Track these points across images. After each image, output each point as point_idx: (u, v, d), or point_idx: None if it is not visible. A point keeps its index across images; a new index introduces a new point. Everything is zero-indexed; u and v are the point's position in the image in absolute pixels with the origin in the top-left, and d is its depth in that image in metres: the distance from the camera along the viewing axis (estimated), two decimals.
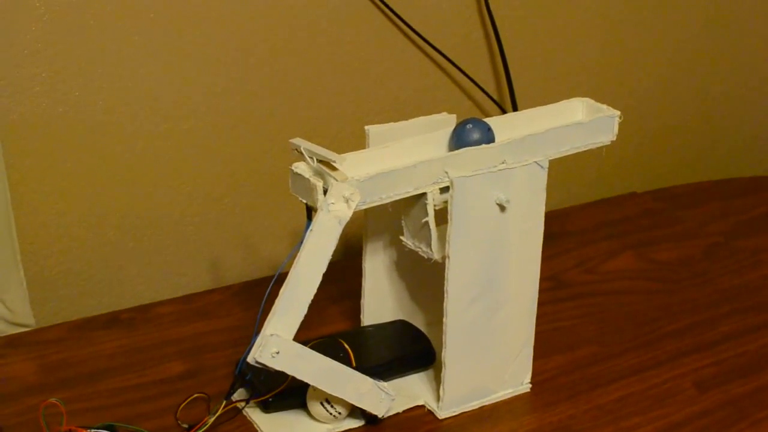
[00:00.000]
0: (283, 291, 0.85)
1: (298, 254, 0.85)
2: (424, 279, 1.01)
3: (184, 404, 0.91)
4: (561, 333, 1.08)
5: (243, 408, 0.93)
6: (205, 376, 0.99)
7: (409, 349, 1.00)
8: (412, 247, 0.93)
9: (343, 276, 1.09)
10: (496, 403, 0.96)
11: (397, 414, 0.94)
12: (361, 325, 1.04)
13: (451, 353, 0.92)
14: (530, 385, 0.98)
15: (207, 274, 1.21)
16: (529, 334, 0.97)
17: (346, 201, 0.85)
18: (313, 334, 1.01)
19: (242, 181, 1.21)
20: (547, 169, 0.91)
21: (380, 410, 0.91)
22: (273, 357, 0.85)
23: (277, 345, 0.85)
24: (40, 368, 1.00)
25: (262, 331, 0.85)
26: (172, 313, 1.10)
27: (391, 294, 1.04)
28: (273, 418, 0.93)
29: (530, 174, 0.90)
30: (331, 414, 0.91)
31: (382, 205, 0.89)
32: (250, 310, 1.10)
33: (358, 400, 0.90)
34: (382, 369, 0.96)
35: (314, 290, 0.86)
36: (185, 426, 0.89)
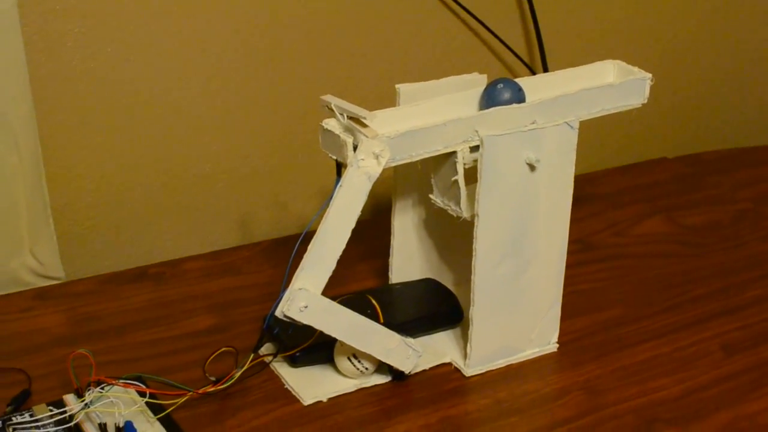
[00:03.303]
0: (312, 245, 0.86)
1: (328, 210, 0.86)
2: (453, 237, 1.01)
3: (211, 358, 0.92)
4: (589, 295, 1.07)
5: (270, 362, 0.93)
6: (233, 331, 1.00)
7: (437, 307, 1.00)
8: (441, 206, 0.94)
9: (372, 234, 1.09)
10: (523, 362, 0.96)
11: (424, 371, 0.95)
12: (389, 283, 1.04)
13: (478, 312, 0.92)
14: (557, 345, 0.98)
15: (236, 231, 1.22)
16: (557, 295, 0.97)
17: (376, 157, 0.85)
18: (341, 291, 1.01)
19: (272, 139, 1.21)
20: (577, 130, 0.90)
21: (407, 366, 0.92)
22: (301, 311, 0.85)
23: (306, 299, 0.85)
24: (68, 320, 1.01)
25: (291, 285, 0.85)
26: (200, 268, 1.11)
27: (420, 252, 1.04)
28: (300, 373, 0.93)
29: (560, 134, 0.90)
30: (358, 369, 0.91)
31: (411, 163, 0.89)
32: (279, 267, 1.11)
33: (385, 355, 0.90)
34: (409, 326, 0.96)
35: (343, 246, 0.86)
36: (213, 379, 0.90)
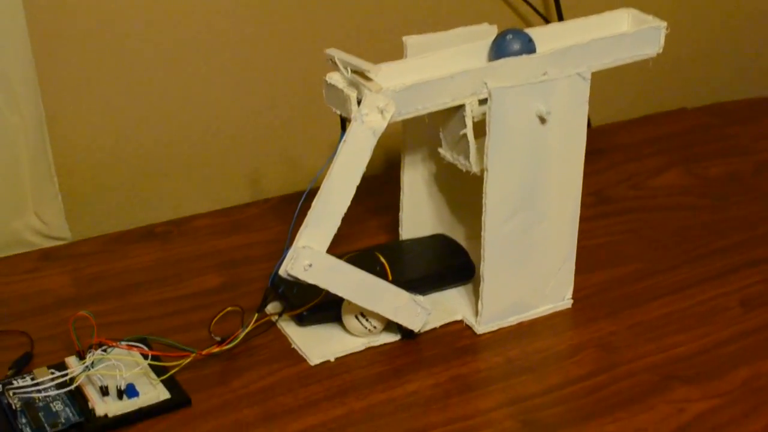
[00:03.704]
0: (316, 203, 0.83)
1: (331, 166, 0.83)
2: (464, 192, 0.98)
3: (217, 317, 0.90)
4: (605, 249, 1.05)
5: (276, 321, 0.92)
6: (241, 290, 0.98)
7: (448, 263, 0.98)
8: (451, 160, 0.91)
9: (382, 189, 1.07)
10: (536, 318, 0.94)
11: (435, 329, 0.93)
12: (400, 239, 1.02)
13: (489, 268, 0.90)
14: (571, 301, 0.96)
15: (245, 188, 1.20)
16: (571, 249, 0.94)
17: (381, 112, 0.83)
18: (350, 248, 0.99)
19: (282, 93, 1.18)
20: (589, 81, 0.87)
21: (416, 325, 0.90)
22: (305, 270, 0.83)
23: (310, 257, 0.83)
24: (74, 281, 1.00)
25: (294, 243, 0.83)
26: (208, 226, 1.09)
27: (430, 207, 1.01)
28: (307, 332, 0.92)
29: (572, 86, 0.87)
30: (366, 328, 0.90)
31: (419, 116, 0.87)
32: (288, 223, 1.08)
33: (394, 314, 0.89)
34: (419, 283, 0.94)
35: (347, 203, 0.84)
36: (218, 339, 0.88)
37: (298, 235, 0.83)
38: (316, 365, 0.88)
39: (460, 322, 0.94)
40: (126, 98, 1.10)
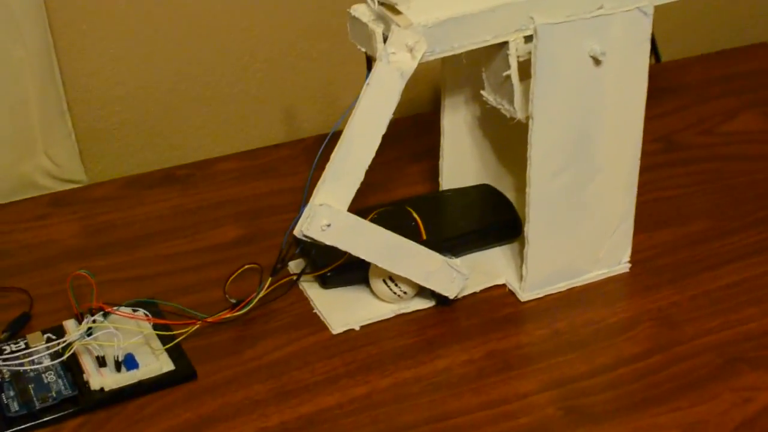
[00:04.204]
0: (336, 154, 0.74)
1: (353, 111, 0.74)
2: (512, 139, 0.87)
3: (233, 276, 0.81)
4: (670, 204, 0.94)
5: (295, 283, 0.83)
6: (262, 244, 0.89)
7: (492, 219, 0.88)
8: (494, 104, 0.80)
9: (427, 130, 0.97)
10: (588, 284, 0.84)
11: (474, 293, 0.83)
12: (440, 189, 0.92)
13: (535, 228, 0.80)
14: (629, 265, 0.85)
15: (277, 127, 1.10)
16: (629, 207, 0.83)
17: (410, 50, 0.72)
18: (385, 198, 0.90)
19: (321, 21, 1.08)
20: (651, 17, 0.76)
21: (451, 291, 0.80)
22: (323, 230, 0.74)
23: (328, 216, 0.74)
24: (83, 230, 0.92)
25: (311, 199, 0.74)
26: (233, 170, 1.00)
27: (474, 155, 0.91)
28: (331, 295, 0.83)
29: (632, 22, 0.75)
30: (395, 293, 0.80)
31: (457, 55, 0.76)
32: (322, 168, 0.99)
33: (425, 279, 0.79)
34: (457, 242, 0.85)
35: (371, 154, 0.74)
36: (233, 301, 0.80)
37: (315, 190, 0.74)
38: (339, 334, 0.80)
39: (503, 286, 0.84)
40: (146, 26, 1.00)
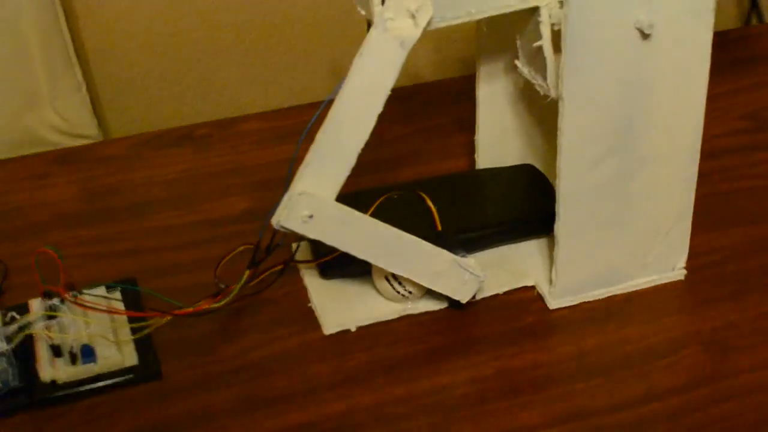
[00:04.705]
0: (321, 135, 0.63)
1: (343, 86, 0.62)
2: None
3: (226, 259, 0.72)
4: (747, 197, 0.79)
5: (282, 272, 0.72)
6: None
7: (527, 208, 0.76)
8: (528, 77, 0.68)
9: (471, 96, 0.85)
10: (632, 293, 0.71)
11: (497, 295, 0.72)
12: (476, 166, 0.80)
13: (566, 227, 0.67)
14: (684, 272, 0.72)
15: (313, 86, 0.99)
16: (686, 205, 0.70)
17: (412, 16, 0.61)
18: (414, 173, 0.81)
19: None
20: None
21: (463, 295, 0.69)
22: (304, 222, 0.63)
23: (310, 206, 0.63)
24: (82, 193, 0.83)
25: (291, 186, 0.63)
26: (255, 131, 0.90)
27: (517, 130, 0.78)
28: (332, 287, 0.72)
29: None
30: (399, 293, 0.70)
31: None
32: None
33: (432, 281, 0.68)
34: (480, 235, 0.73)
35: (364, 136, 0.63)
36: (222, 286, 0.70)
37: (297, 175, 0.63)
38: (332, 335, 0.69)
39: (532, 288, 0.72)
40: None
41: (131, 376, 0.66)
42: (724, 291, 0.71)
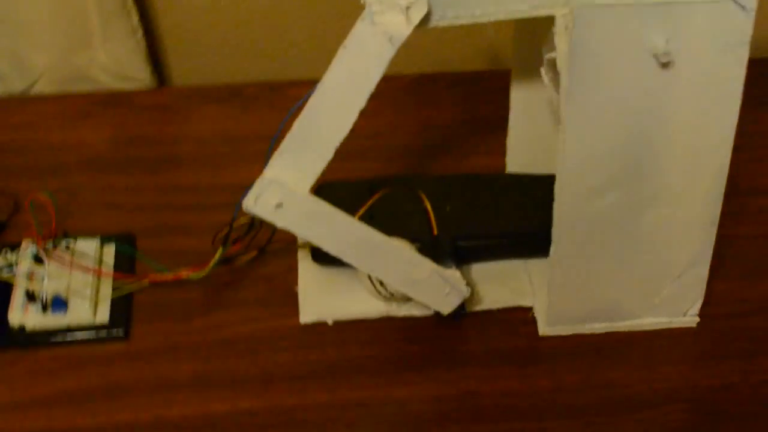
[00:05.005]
0: (298, 122, 0.59)
1: (324, 76, 0.59)
2: None
3: (224, 232, 0.69)
4: None
5: (263, 250, 0.70)
6: None
7: (540, 222, 0.69)
8: (548, 88, 0.63)
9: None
10: (635, 332, 0.66)
11: (490, 311, 0.67)
12: (506, 171, 0.76)
13: (561, 254, 0.62)
14: (697, 319, 0.66)
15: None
16: (703, 250, 0.63)
17: (405, 11, 0.56)
18: (454, 165, 0.78)
19: None
20: (753, 13, 0.55)
21: (443, 307, 0.65)
22: (274, 210, 0.60)
23: (280, 195, 0.60)
24: (116, 139, 0.83)
25: (263, 172, 0.61)
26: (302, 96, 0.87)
27: (550, 138, 0.73)
28: (322, 274, 0.69)
29: (722, 17, 0.54)
30: (380, 293, 0.66)
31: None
32: (403, 113, 0.85)
33: (410, 287, 0.64)
34: (481, 245, 0.69)
35: (344, 131, 0.59)
36: (218, 256, 0.69)
37: (271, 160, 0.61)
38: (307, 325, 0.67)
39: (528, 310, 0.67)
40: None
41: (97, 333, 0.66)
42: (735, 348, 0.65)
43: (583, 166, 0.59)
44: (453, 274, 0.64)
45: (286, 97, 0.86)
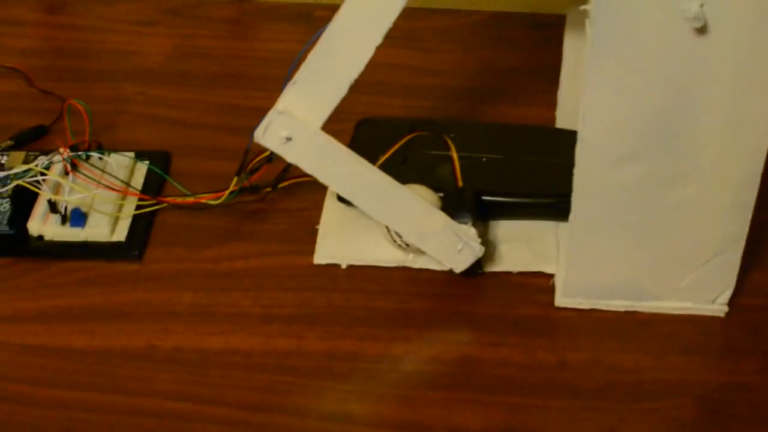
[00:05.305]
0: (314, 53, 0.57)
1: (341, 7, 0.56)
2: None
3: (254, 162, 0.67)
4: None
5: (274, 188, 0.68)
6: (335, 125, 0.73)
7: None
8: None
9: None
10: (657, 314, 0.61)
11: (509, 273, 0.64)
12: (556, 126, 0.71)
13: (580, 223, 0.58)
14: (725, 309, 0.61)
15: None
16: (736, 235, 0.58)
17: None
18: (506, 113, 0.74)
19: None
20: None
21: (456, 264, 0.62)
22: (283, 143, 0.58)
23: (289, 128, 0.58)
24: (175, 51, 0.82)
25: (276, 103, 0.58)
26: None
27: None
28: (345, 214, 0.67)
29: None
30: (395, 242, 0.64)
31: None
32: (472, 52, 0.81)
33: (420, 239, 0.61)
34: (506, 204, 0.65)
35: (359, 67, 0.56)
36: (246, 184, 0.67)
37: (284, 91, 0.58)
38: (319, 266, 0.65)
39: (550, 276, 0.64)
40: None
41: (112, 251, 0.66)
42: (761, 344, 0.60)
43: (607, 132, 0.55)
44: (468, 230, 0.61)
45: None
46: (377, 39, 0.56)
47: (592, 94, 0.54)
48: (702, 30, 0.51)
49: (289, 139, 0.58)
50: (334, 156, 0.59)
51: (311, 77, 0.57)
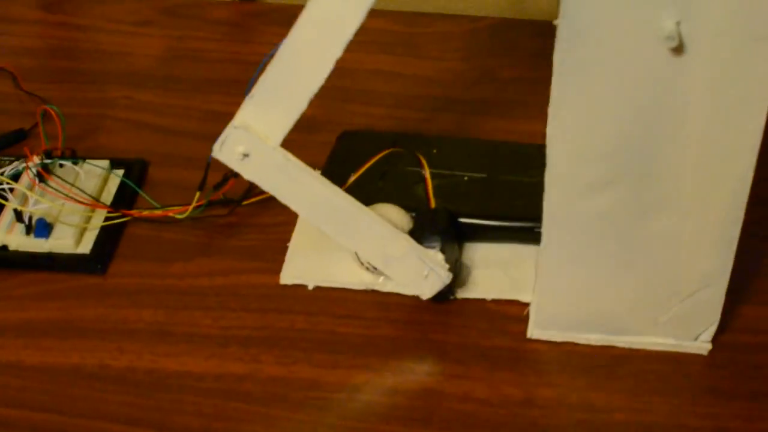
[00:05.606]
0: (272, 66, 0.54)
1: (299, 18, 0.53)
2: None
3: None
4: None
5: (237, 203, 0.66)
6: (323, 135, 0.70)
7: None
8: None
9: None
10: (636, 350, 0.57)
11: (483, 301, 0.61)
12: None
13: (550, 253, 0.55)
14: (709, 347, 0.57)
15: None
16: (719, 269, 0.54)
17: None
18: (504, 127, 0.71)
19: None
20: None
21: (421, 290, 0.59)
22: (240, 160, 0.56)
23: (247, 144, 0.55)
24: (166, 53, 0.80)
25: (234, 117, 0.56)
26: (374, 31, 0.79)
27: None
28: (316, 231, 0.62)
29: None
30: (362, 264, 0.61)
31: None
32: (470, 60, 0.77)
33: (384, 264, 0.58)
34: (481, 226, 0.62)
35: (318, 81, 0.53)
36: (221, 196, 0.65)
37: (242, 105, 0.55)
38: (286, 286, 0.62)
39: (526, 305, 0.60)
40: None
41: (75, 263, 0.63)
42: (745, 386, 0.56)
43: (575, 157, 0.51)
44: (434, 255, 0.58)
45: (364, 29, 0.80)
46: (337, 51, 0.53)
47: (558, 116, 0.50)
48: (677, 50, 0.47)
49: (246, 155, 0.55)
50: (293, 175, 0.56)
51: (269, 91, 0.54)
